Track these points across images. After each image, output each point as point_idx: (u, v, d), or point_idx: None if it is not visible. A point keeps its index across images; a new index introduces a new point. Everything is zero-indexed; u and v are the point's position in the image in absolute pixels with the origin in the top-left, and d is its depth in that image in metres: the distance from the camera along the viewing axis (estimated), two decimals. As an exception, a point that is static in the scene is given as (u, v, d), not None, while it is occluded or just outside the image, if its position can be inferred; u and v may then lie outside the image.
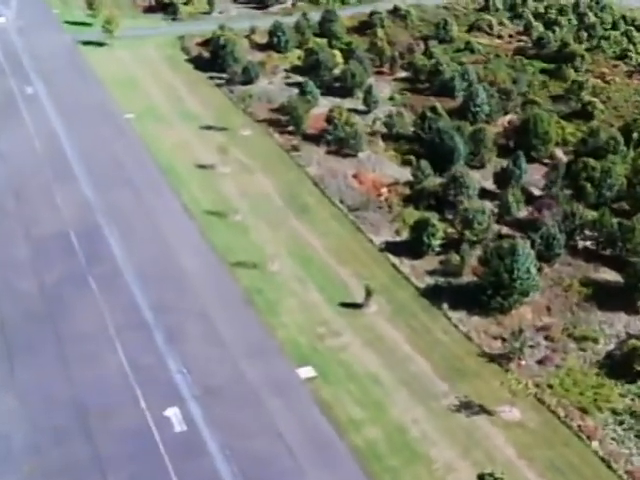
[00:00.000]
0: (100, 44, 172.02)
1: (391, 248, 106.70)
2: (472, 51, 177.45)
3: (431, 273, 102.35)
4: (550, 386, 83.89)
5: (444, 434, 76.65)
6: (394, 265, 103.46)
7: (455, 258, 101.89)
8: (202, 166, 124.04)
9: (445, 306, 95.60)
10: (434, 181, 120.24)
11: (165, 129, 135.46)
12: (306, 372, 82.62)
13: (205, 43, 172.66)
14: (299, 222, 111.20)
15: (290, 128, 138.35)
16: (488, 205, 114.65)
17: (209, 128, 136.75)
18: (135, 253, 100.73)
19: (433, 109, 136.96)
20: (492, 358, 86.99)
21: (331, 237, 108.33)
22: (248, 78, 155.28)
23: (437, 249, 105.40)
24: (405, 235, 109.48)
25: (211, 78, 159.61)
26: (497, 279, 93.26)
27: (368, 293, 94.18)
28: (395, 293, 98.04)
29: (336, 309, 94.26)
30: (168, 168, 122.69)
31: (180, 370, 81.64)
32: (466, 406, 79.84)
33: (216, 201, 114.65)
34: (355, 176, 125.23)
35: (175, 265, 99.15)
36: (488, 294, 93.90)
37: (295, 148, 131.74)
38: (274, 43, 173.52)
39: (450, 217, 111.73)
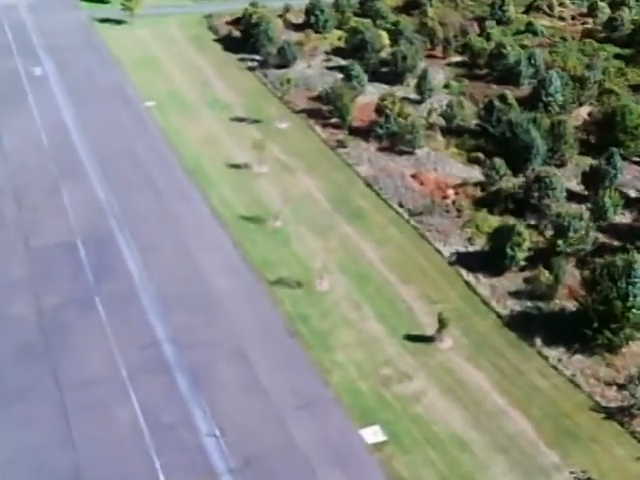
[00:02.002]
0: (119, 22, 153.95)
1: (463, 261, 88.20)
2: (535, 33, 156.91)
3: (515, 295, 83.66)
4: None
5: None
6: (468, 284, 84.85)
7: (545, 276, 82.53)
8: (234, 165, 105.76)
9: (538, 341, 76.12)
10: (511, 182, 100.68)
11: (190, 120, 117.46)
12: (373, 434, 64.34)
13: (235, 22, 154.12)
14: (351, 229, 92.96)
15: (334, 120, 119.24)
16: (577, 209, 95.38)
17: (241, 120, 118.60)
18: (154, 269, 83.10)
19: (502, 98, 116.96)
20: (610, 414, 67.71)
21: (390, 247, 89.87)
22: (284, 60, 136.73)
23: (521, 263, 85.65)
24: (480, 244, 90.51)
25: (242, 60, 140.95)
26: (606, 307, 73.68)
27: (442, 324, 75.02)
28: (473, 321, 79.44)
29: (402, 343, 75.89)
30: (194, 166, 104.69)
31: (211, 432, 62.54)
32: (585, 485, 60.92)
33: (251, 205, 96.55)
34: (414, 176, 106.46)
35: (202, 285, 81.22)
36: (593, 326, 74.21)
37: (341, 144, 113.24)
38: (311, 23, 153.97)
39: (532, 223, 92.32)
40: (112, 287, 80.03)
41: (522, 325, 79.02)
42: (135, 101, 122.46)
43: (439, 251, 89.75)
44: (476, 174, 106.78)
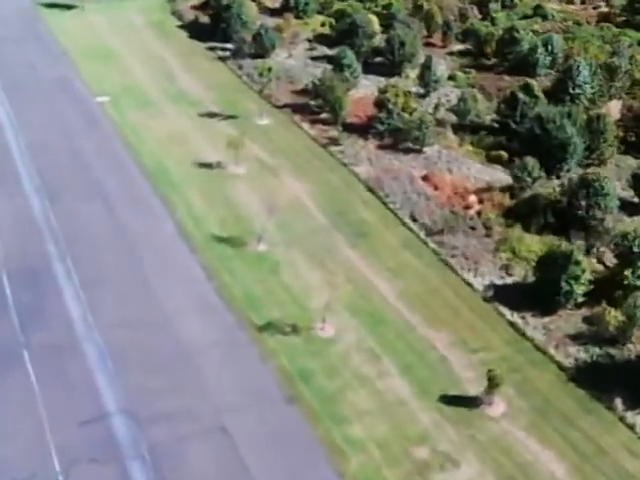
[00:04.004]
0: (68, 7, 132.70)
1: (502, 295, 68.54)
2: (544, 17, 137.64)
3: (577, 339, 64.28)
4: None
5: None
6: (514, 325, 64.75)
7: (612, 314, 62.49)
8: (205, 164, 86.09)
9: (618, 402, 56.23)
10: (548, 186, 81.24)
11: (152, 117, 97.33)
12: None
13: (203, 6, 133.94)
14: (355, 254, 73.25)
15: (323, 116, 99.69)
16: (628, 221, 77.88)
17: (212, 116, 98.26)
18: (102, 311, 62.95)
19: (525, 89, 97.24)
20: None
21: (408, 278, 70.06)
22: (261, 49, 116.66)
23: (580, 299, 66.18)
24: (519, 273, 70.94)
25: (211, 49, 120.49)
26: None
27: (493, 383, 54.79)
28: (528, 376, 60.19)
29: (438, 408, 56.46)
30: (156, 170, 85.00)
31: None
32: None
33: (227, 219, 76.90)
34: (426, 178, 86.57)
35: (166, 332, 61.39)
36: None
37: (334, 141, 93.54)
38: (289, 7, 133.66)
39: (576, 241, 73.45)
40: (45, 336, 59.81)
41: (593, 380, 59.86)
42: (84, 97, 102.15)
43: (469, 283, 70.15)
44: (499, 176, 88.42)
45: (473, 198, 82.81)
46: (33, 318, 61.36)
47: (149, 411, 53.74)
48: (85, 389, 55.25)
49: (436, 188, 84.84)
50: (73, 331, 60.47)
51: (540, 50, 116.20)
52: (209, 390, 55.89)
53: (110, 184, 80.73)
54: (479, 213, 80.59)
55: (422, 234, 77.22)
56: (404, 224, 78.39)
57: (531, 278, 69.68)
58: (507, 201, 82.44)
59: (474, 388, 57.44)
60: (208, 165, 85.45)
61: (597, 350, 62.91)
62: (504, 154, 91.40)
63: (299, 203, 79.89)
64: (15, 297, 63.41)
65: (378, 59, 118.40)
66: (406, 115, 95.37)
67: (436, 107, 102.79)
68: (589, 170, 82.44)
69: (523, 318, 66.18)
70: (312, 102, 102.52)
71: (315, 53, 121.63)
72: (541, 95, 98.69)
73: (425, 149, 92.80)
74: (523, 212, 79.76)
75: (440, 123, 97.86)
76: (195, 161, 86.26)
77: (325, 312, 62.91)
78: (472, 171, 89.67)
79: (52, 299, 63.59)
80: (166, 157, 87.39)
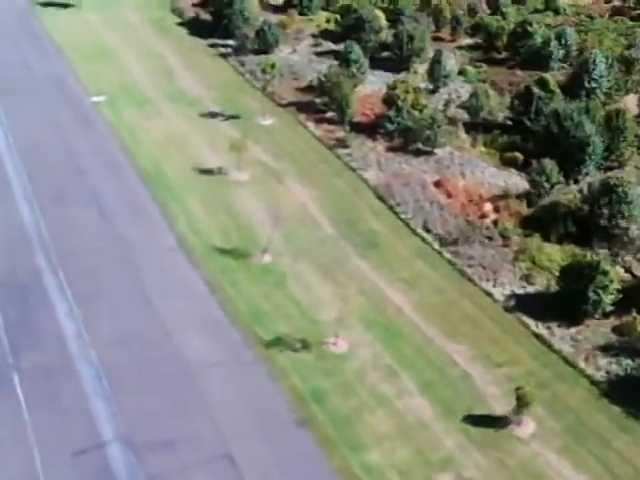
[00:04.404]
0: (64, 5, 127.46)
1: (524, 306, 64.08)
2: (556, 11, 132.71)
3: (608, 350, 60.07)
4: None
5: None
6: (539, 337, 60.61)
7: (644, 324, 58.44)
8: (206, 171, 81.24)
9: (657, 421, 52.00)
10: (567, 192, 76.66)
11: (150, 118, 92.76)
12: None
13: (203, 3, 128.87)
14: (366, 264, 68.94)
15: (330, 114, 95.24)
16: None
17: (214, 116, 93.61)
18: (98, 328, 58.84)
19: (541, 84, 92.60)
20: None
21: (423, 290, 65.82)
22: (264, 45, 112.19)
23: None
24: (540, 283, 66.92)
25: (213, 46, 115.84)
26: None
27: (522, 402, 50.33)
28: (558, 391, 56.35)
29: (463, 429, 52.50)
30: (154, 175, 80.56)
31: None
32: None
33: (230, 229, 72.25)
34: (438, 184, 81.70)
35: (167, 350, 57.26)
36: None
37: (341, 143, 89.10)
38: (293, 3, 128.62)
39: (599, 250, 69.05)
40: (37, 357, 55.62)
41: (628, 395, 55.58)
42: (79, 96, 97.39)
43: (489, 293, 65.76)
44: (515, 180, 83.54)
45: (489, 207, 78.39)
46: (23, 337, 56.91)
47: (148, 438, 49.50)
48: (79, 414, 50.98)
49: (449, 195, 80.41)
50: (66, 350, 56.18)
51: (553, 43, 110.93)
52: (213, 413, 51.66)
53: (106, 190, 76.35)
54: (495, 222, 75.80)
55: (436, 244, 72.69)
56: (416, 234, 73.71)
57: (554, 288, 64.77)
58: (524, 209, 77.45)
59: (500, 406, 53.23)
60: (209, 171, 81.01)
61: (630, 362, 58.46)
62: (519, 156, 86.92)
63: (305, 211, 75.59)
64: (3, 314, 59.02)
65: (385, 54, 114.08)
66: (416, 113, 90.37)
67: (446, 104, 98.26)
68: (610, 174, 77.33)
69: (549, 329, 62.06)
70: (317, 100, 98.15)
71: (320, 49, 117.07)
72: (557, 90, 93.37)
73: (437, 150, 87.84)
74: (542, 221, 74.86)
75: (451, 121, 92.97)
76: (195, 166, 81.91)
77: (337, 325, 58.22)
78: (486, 175, 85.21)
79: (43, 316, 59.18)
80: (165, 161, 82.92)
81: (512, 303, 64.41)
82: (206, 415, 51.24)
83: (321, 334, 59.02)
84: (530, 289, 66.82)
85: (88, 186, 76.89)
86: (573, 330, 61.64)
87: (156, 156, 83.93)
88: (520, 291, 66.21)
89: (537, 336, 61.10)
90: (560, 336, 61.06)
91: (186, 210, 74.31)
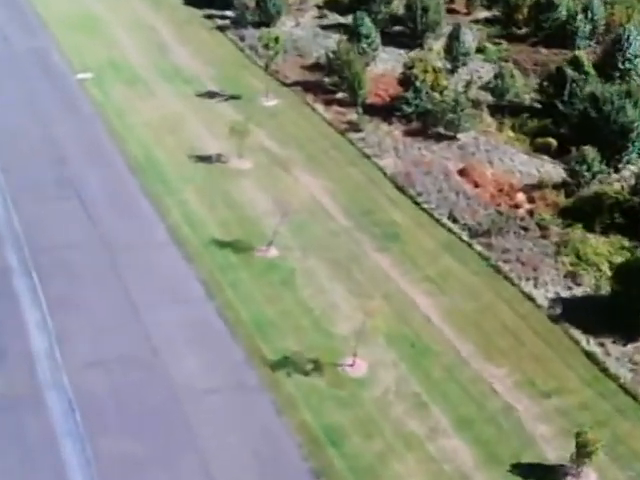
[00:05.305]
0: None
1: (572, 313, 55.44)
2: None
3: (672, 375, 49.89)
4: None
5: None
6: (591, 356, 51.81)
7: None
8: (203, 158, 72.04)
9: None
10: (608, 181, 68.92)
11: (141, 97, 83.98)
12: None
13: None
14: (386, 259, 60.50)
15: (340, 95, 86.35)
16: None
17: (211, 96, 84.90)
18: (75, 343, 50.38)
19: (574, 63, 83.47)
20: None
21: (452, 289, 57.35)
22: (265, 17, 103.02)
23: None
24: (588, 282, 57.87)
25: (209, 17, 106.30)
26: None
27: (584, 452, 41.11)
28: (619, 431, 47.15)
29: (509, 480, 41.74)
30: (145, 162, 72.02)
31: None
32: None
33: (230, 221, 63.85)
34: (463, 172, 72.85)
35: (155, 373, 48.58)
36: None
37: (354, 126, 79.87)
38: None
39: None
40: (11, 384, 45.88)
41: None
42: (63, 73, 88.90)
43: (531, 297, 56.67)
44: (548, 169, 74.57)
45: (522, 197, 69.50)
46: (-10, 355, 47.69)
47: (131, 487, 40.08)
48: (45, 460, 41.65)
49: (477, 185, 71.70)
50: (35, 374, 47.22)
51: (580, 17, 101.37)
52: (208, 459, 42.77)
53: (89, 180, 67.78)
54: (531, 213, 66.94)
55: (465, 235, 63.62)
56: (442, 225, 64.91)
57: (604, 289, 56.28)
58: (561, 199, 68.68)
59: (554, 451, 44.48)
60: (207, 158, 72.16)
61: None
62: (553, 142, 77.86)
63: (315, 203, 67.03)
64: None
65: (396, 29, 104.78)
66: (436, 95, 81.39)
67: (467, 85, 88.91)
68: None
69: (602, 346, 53.28)
70: (326, 79, 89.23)
71: (326, 21, 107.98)
72: (592, 71, 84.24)
73: (459, 135, 79.08)
74: (583, 211, 66.09)
75: (474, 104, 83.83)
76: (192, 152, 73.18)
77: (355, 340, 49.39)
78: (516, 163, 76.59)
79: (11, 328, 50.30)
80: (157, 147, 74.25)
81: (558, 310, 55.42)
82: (198, 463, 42.04)
83: (336, 352, 50.48)
84: (576, 290, 57.50)
85: (70, 176, 68.24)
86: (630, 348, 52.78)
87: (147, 141, 75.39)
88: (566, 293, 56.99)
89: (588, 355, 52.26)
90: (616, 355, 52.36)
91: (180, 201, 65.46)
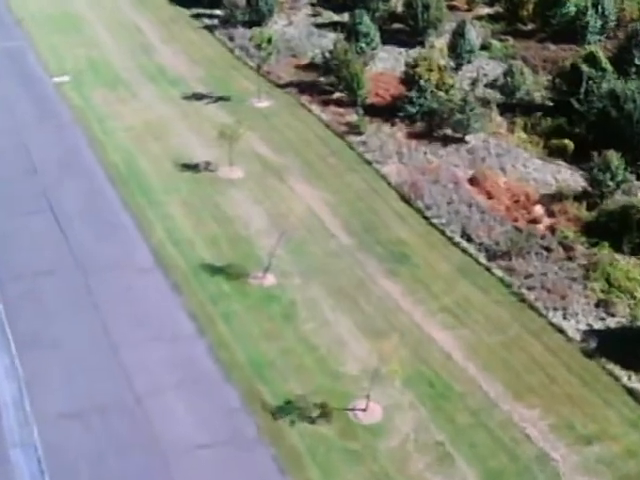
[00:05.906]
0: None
1: (606, 346, 49.46)
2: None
3: None
4: None
5: None
6: (633, 392, 45.67)
7: None
8: (190, 166, 66.31)
9: None
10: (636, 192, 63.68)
11: (124, 101, 78.38)
12: None
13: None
14: (395, 285, 53.96)
15: (337, 95, 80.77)
16: None
17: (199, 98, 79.33)
18: (46, 390, 44.31)
19: (590, 59, 77.74)
20: None
21: (473, 322, 51.33)
22: (256, 16, 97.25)
23: None
24: (622, 309, 52.12)
25: (196, 17, 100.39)
26: None
27: None
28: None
29: None
30: (127, 174, 66.11)
31: None
32: None
33: (221, 241, 58.10)
34: (474, 181, 66.70)
35: (138, 426, 42.51)
36: None
37: (354, 129, 74.51)
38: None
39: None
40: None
41: None
42: (38, 75, 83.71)
43: (561, 329, 50.37)
44: (566, 175, 68.95)
45: (539, 210, 63.28)
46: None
47: None
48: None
49: (490, 196, 65.38)
50: (0, 429, 40.08)
51: (590, 12, 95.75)
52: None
53: (64, 193, 62.28)
54: (552, 229, 60.69)
55: (482, 258, 57.10)
56: (455, 244, 58.58)
57: (640, 319, 50.41)
58: (585, 214, 62.40)
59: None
60: (194, 166, 66.05)
61: None
62: (569, 144, 71.77)
63: (314, 217, 61.09)
64: None
65: (395, 26, 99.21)
66: (441, 93, 75.56)
67: (473, 83, 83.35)
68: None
69: (644, 382, 46.46)
70: (322, 79, 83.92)
71: (320, 19, 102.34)
72: (609, 67, 78.54)
73: (468, 138, 73.45)
74: (608, 227, 59.95)
75: (483, 103, 78.09)
76: (178, 160, 67.63)
77: (366, 380, 43.05)
78: (530, 169, 70.93)
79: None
80: (140, 155, 68.84)
81: (592, 344, 49.22)
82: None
83: (345, 395, 44.48)
84: (610, 320, 51.38)
85: (42, 189, 61.57)
86: (678, 388, 46.38)
87: (130, 149, 70.01)
88: (598, 324, 50.83)
89: (631, 392, 46.09)
90: (663, 396, 45.77)
91: (166, 218, 60.01)
